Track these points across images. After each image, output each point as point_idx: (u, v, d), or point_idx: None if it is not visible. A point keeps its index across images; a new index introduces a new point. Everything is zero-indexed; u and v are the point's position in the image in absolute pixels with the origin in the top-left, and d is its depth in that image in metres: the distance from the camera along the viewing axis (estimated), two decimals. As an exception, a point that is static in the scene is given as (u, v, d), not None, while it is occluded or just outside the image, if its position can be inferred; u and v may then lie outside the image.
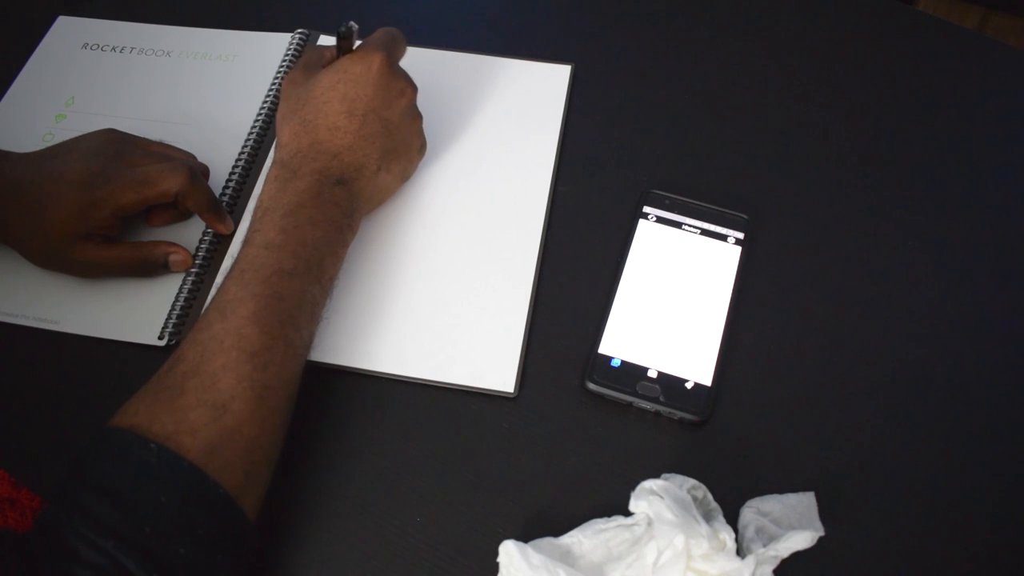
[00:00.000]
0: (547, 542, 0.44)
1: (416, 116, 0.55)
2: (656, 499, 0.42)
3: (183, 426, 0.39)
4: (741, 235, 0.56)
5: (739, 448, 0.49)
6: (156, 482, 0.37)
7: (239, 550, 0.40)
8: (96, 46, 0.68)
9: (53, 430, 0.50)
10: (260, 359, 0.42)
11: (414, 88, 0.55)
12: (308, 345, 0.47)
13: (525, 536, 0.43)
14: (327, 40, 0.67)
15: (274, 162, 0.51)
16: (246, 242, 0.47)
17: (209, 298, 0.46)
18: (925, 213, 0.59)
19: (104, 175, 0.52)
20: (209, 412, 0.40)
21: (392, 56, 0.53)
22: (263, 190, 0.50)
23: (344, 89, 0.52)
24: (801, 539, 0.41)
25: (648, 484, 0.43)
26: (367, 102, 0.52)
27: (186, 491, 0.38)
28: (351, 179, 0.51)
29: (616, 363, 0.51)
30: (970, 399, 0.52)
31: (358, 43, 0.55)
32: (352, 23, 0.53)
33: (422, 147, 0.57)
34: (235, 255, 0.47)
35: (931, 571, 0.46)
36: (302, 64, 0.55)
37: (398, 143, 0.54)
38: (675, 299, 0.54)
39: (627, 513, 0.44)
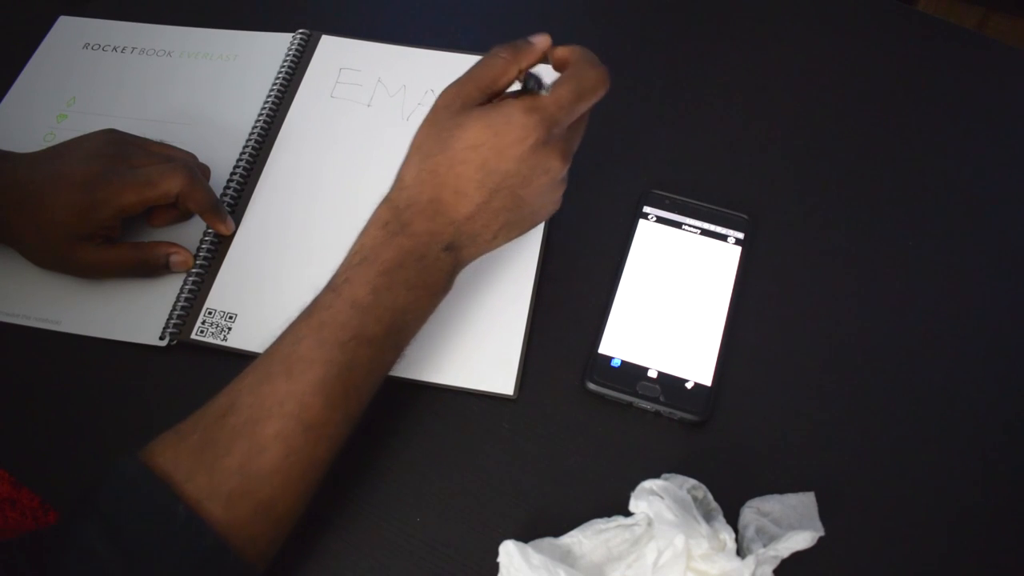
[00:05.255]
0: (547, 542, 0.44)
1: (557, 188, 0.49)
2: (656, 499, 0.42)
3: (218, 493, 0.39)
4: (741, 235, 0.56)
5: (739, 448, 0.49)
6: (177, 550, 0.37)
7: None
8: (97, 46, 0.68)
9: (53, 430, 0.50)
10: (315, 433, 0.41)
11: (564, 163, 0.48)
12: (364, 411, 0.45)
13: (525, 536, 0.43)
14: (328, 40, 0.67)
15: (387, 200, 0.47)
16: (332, 288, 0.44)
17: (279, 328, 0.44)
18: (925, 213, 0.59)
19: (105, 176, 0.52)
20: (249, 483, 0.39)
21: (552, 130, 0.46)
22: (366, 232, 0.46)
23: (486, 155, 0.45)
24: (801, 539, 0.41)
25: (648, 484, 0.43)
26: (503, 178, 0.46)
27: (205, 562, 0.38)
28: (462, 246, 0.47)
29: (616, 363, 0.51)
30: (970, 399, 0.52)
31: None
32: (545, 81, 0.47)
33: (552, 211, 0.52)
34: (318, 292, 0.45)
35: (931, 571, 0.46)
36: (465, 93, 0.47)
37: (525, 216, 0.49)
38: (675, 299, 0.54)
39: (627, 513, 0.44)
